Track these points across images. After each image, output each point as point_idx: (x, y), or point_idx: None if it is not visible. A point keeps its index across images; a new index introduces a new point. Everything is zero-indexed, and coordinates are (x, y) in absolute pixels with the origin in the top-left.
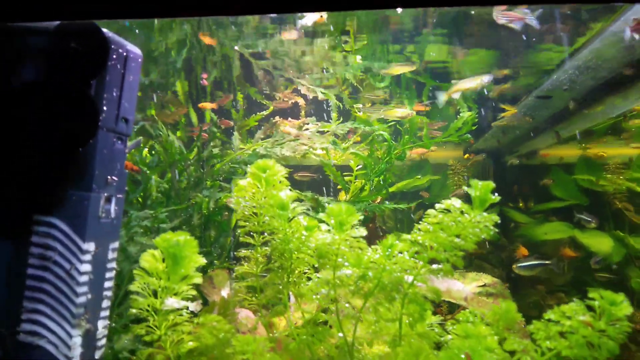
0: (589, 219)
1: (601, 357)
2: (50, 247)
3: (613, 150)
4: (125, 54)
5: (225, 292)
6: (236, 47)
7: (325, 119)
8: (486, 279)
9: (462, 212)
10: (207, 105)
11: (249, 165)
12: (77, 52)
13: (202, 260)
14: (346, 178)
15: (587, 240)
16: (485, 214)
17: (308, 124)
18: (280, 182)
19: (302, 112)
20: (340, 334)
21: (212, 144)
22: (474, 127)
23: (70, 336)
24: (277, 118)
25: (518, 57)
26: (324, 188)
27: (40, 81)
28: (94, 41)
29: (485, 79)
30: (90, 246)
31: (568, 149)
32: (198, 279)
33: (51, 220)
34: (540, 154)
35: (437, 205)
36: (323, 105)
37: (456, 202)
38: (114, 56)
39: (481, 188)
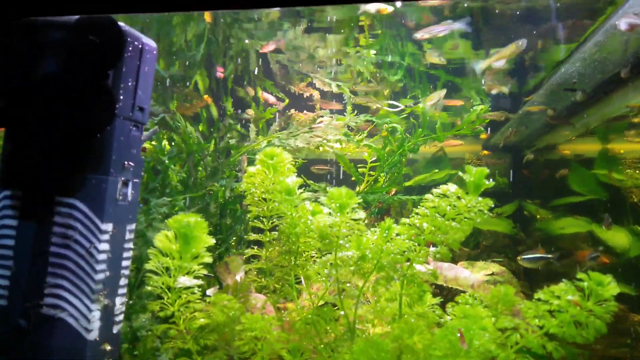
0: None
1: (589, 335)
2: (71, 226)
3: (633, 146)
4: (140, 46)
5: (239, 277)
6: (247, 41)
7: (343, 113)
8: (494, 267)
9: (458, 197)
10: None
11: None
12: (95, 44)
13: (212, 241)
14: (360, 170)
15: (604, 235)
16: (480, 198)
17: (322, 116)
18: (287, 168)
19: (318, 105)
20: (342, 313)
21: (229, 135)
22: (486, 121)
23: (90, 310)
24: (292, 111)
25: (539, 52)
26: (340, 180)
27: (61, 72)
28: (111, 34)
29: (521, 43)
30: (109, 227)
31: (587, 143)
32: (208, 259)
33: (72, 201)
34: (559, 148)
35: (435, 190)
36: (342, 100)
37: (452, 187)
38: (130, 48)
39: (475, 174)
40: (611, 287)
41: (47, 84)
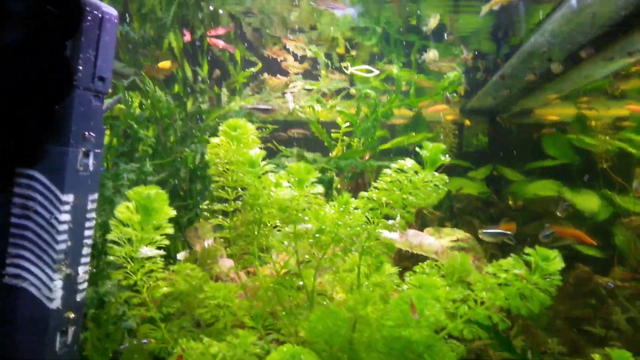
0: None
1: (534, 307)
2: (31, 197)
3: (608, 111)
4: (100, 15)
5: (207, 243)
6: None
7: (317, 78)
8: (460, 234)
9: (415, 172)
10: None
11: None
12: (53, 14)
13: (172, 212)
14: (333, 135)
15: (575, 198)
16: (436, 173)
17: (294, 81)
18: (251, 140)
19: (292, 70)
20: (302, 283)
21: (200, 99)
22: (459, 87)
23: (52, 279)
24: (265, 75)
25: (515, 17)
26: (316, 144)
27: (17, 43)
28: (68, 4)
29: None
30: (69, 197)
31: (563, 108)
32: (169, 230)
33: (32, 172)
34: (535, 112)
35: (392, 165)
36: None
37: (409, 163)
38: (89, 18)
39: (432, 149)
40: (556, 261)
41: (3, 55)
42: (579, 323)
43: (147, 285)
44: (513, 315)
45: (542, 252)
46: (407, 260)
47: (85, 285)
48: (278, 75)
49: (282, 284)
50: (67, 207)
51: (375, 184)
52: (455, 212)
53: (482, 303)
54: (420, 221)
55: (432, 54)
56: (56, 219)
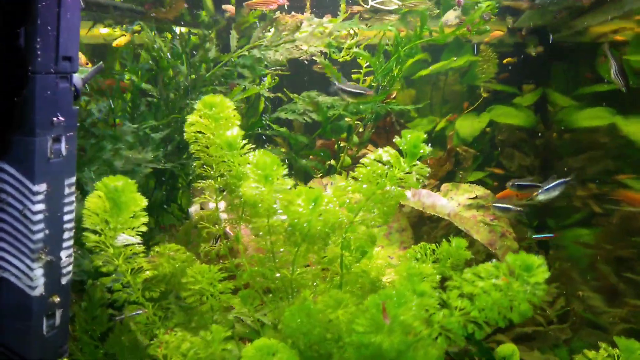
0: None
1: (514, 318)
2: (2, 189)
3: None
4: None
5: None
6: None
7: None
8: (478, 190)
9: (391, 166)
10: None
11: (245, 69)
12: (1, 2)
13: (143, 204)
14: (354, 77)
15: (629, 128)
16: (418, 162)
17: (302, 21)
18: (227, 119)
19: (308, 6)
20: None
21: (206, 45)
22: (493, 19)
23: (31, 269)
24: (277, 14)
25: None
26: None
27: None
28: None
29: None
30: (41, 187)
31: (622, 24)
32: (143, 219)
33: (0, 165)
34: (591, 31)
35: (369, 155)
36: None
37: (385, 155)
38: None
39: (410, 140)
40: (540, 271)
41: None
42: (621, 265)
43: (128, 269)
44: (550, 258)
45: (524, 259)
46: (425, 225)
47: (70, 268)
48: (293, 13)
49: (264, 275)
50: (39, 197)
51: (353, 174)
52: (497, 144)
53: (461, 309)
54: (454, 160)
55: None
56: (29, 209)
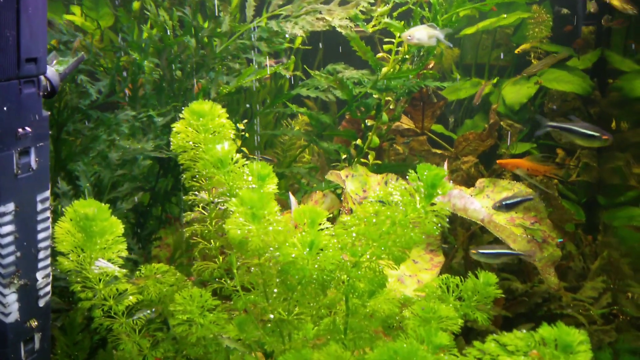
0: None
1: None
2: None
3: None
4: None
5: None
6: None
7: None
8: (519, 189)
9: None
10: None
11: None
12: None
13: (120, 230)
14: (385, 47)
15: None
16: (438, 200)
17: None
18: (220, 129)
19: None
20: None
21: (221, 15)
22: None
23: (3, 295)
24: None
25: None
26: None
27: None
28: None
29: None
30: (8, 207)
31: None
32: (121, 246)
33: None
34: None
35: (373, 195)
36: None
37: (396, 194)
38: None
39: (427, 178)
40: (582, 352)
41: None
42: None
43: (110, 295)
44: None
45: (562, 334)
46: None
47: (48, 289)
48: None
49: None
50: (7, 219)
51: (351, 218)
52: (547, 113)
53: None
54: (497, 134)
55: None
56: None
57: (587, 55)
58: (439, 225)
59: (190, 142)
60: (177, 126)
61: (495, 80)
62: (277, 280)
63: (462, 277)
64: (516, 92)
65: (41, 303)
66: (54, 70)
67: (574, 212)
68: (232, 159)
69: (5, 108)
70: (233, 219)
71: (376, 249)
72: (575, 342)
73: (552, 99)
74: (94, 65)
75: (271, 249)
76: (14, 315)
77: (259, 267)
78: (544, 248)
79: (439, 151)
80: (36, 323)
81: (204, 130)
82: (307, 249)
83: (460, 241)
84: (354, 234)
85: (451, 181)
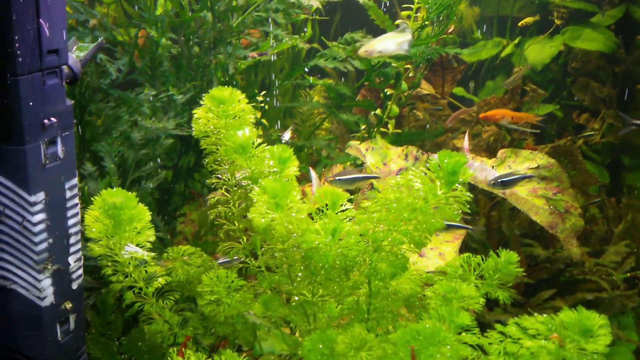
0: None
1: None
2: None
3: None
4: None
5: None
6: None
7: None
8: (541, 159)
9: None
10: None
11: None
12: None
13: (147, 217)
14: (403, 14)
15: None
16: (458, 186)
17: None
18: (242, 114)
19: None
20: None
21: None
22: None
23: (38, 280)
24: None
25: None
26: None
27: None
28: None
29: None
30: (39, 197)
31: None
32: (149, 232)
33: None
34: None
35: (394, 182)
36: None
37: (417, 181)
38: None
39: (447, 166)
40: (602, 335)
41: None
42: None
43: (140, 277)
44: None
45: (582, 318)
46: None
47: (80, 272)
48: None
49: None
50: (38, 207)
51: (371, 201)
52: (570, 72)
53: None
54: (519, 97)
55: None
56: (29, 221)
57: (611, 11)
58: (463, 209)
59: (212, 127)
60: (197, 112)
61: (517, 41)
62: (301, 265)
63: (485, 245)
64: (539, 51)
65: (74, 286)
66: (74, 57)
67: (598, 174)
68: (253, 143)
69: (30, 102)
70: (257, 207)
71: (397, 234)
72: (595, 326)
73: (576, 58)
74: (112, 43)
75: (294, 235)
76: (49, 299)
77: (283, 252)
78: (566, 218)
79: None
80: (70, 305)
81: (225, 116)
82: (330, 237)
83: (482, 209)
84: (375, 220)
85: (468, 154)
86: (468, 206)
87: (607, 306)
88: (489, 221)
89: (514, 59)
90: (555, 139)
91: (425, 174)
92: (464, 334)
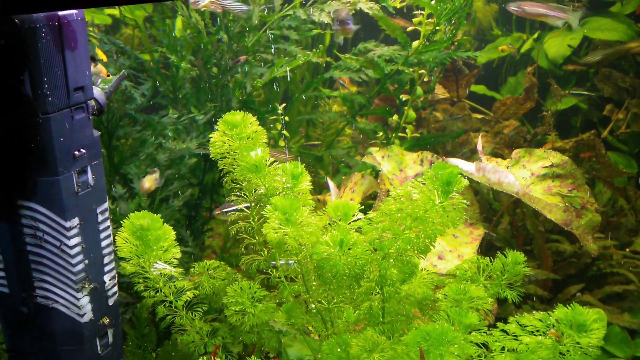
0: None
1: None
2: (38, 228)
3: None
4: (56, 23)
5: None
6: None
7: None
8: (554, 157)
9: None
10: None
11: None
12: None
13: (172, 236)
14: (415, 20)
15: None
16: (456, 194)
17: None
18: (253, 135)
19: None
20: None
21: (251, 9)
22: None
23: (77, 298)
24: None
25: None
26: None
27: None
28: (10, 33)
29: None
30: (74, 222)
31: None
32: (175, 250)
33: (31, 205)
34: None
35: (393, 193)
36: None
37: (415, 192)
38: (43, 34)
39: (442, 177)
40: (596, 329)
41: None
42: None
43: (170, 291)
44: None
45: (577, 314)
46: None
47: (115, 289)
48: None
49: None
50: (73, 232)
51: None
52: (592, 64)
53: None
54: (536, 95)
55: None
56: (66, 245)
57: None
58: (461, 216)
59: (227, 149)
60: (213, 136)
61: (536, 35)
62: (314, 275)
63: (510, 243)
64: (558, 44)
65: (110, 302)
66: (99, 90)
67: (626, 164)
68: (265, 162)
69: (61, 137)
70: (270, 223)
71: (402, 242)
72: (588, 321)
73: (597, 48)
74: (135, 69)
75: (304, 248)
76: (88, 316)
77: (297, 263)
78: (583, 215)
79: (479, 116)
80: (108, 320)
81: (238, 139)
82: (338, 247)
83: (504, 207)
84: (380, 230)
85: (482, 156)
86: (476, 210)
87: (635, 298)
88: (513, 219)
89: (534, 53)
90: (580, 133)
91: (425, 184)
92: (474, 333)
